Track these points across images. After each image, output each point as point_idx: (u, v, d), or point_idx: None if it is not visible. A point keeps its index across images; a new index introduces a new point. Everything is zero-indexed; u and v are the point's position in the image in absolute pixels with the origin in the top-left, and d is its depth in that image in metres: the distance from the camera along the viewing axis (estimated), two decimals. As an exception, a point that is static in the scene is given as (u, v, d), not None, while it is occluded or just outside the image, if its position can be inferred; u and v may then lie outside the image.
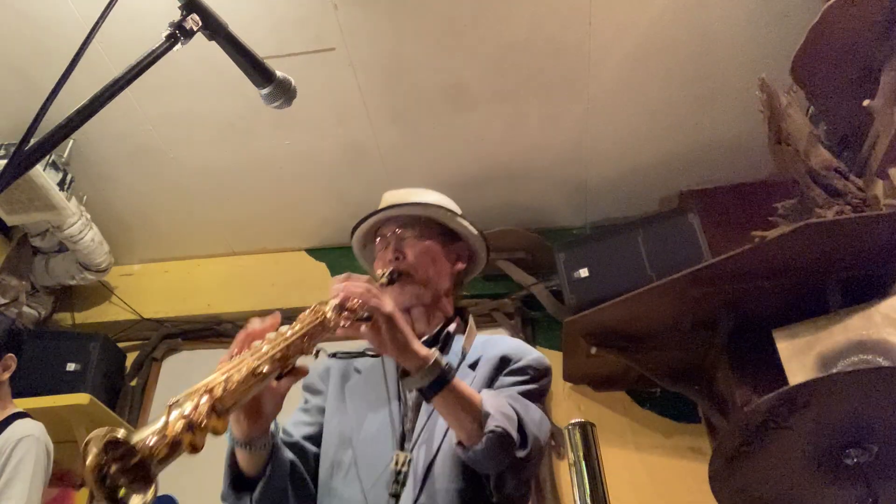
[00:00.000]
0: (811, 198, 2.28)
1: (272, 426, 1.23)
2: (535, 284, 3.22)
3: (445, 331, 1.48)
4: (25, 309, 3.32)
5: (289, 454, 1.33)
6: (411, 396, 1.38)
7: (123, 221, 3.40)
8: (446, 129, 3.01)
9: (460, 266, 1.59)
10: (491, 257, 3.39)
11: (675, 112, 2.93)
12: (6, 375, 2.24)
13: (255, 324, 1.14)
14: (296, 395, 1.38)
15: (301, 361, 1.15)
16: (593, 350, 2.77)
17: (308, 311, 1.16)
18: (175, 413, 0.89)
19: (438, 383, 1.16)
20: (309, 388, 1.53)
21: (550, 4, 2.57)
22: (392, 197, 1.63)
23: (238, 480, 1.26)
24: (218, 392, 0.95)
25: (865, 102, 2.23)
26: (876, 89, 2.22)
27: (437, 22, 2.63)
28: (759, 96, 2.36)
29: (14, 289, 3.26)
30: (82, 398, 2.91)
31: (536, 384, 1.38)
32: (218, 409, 0.93)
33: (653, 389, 3.02)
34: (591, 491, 1.51)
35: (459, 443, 1.20)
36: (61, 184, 2.90)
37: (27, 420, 2.21)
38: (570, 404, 3.06)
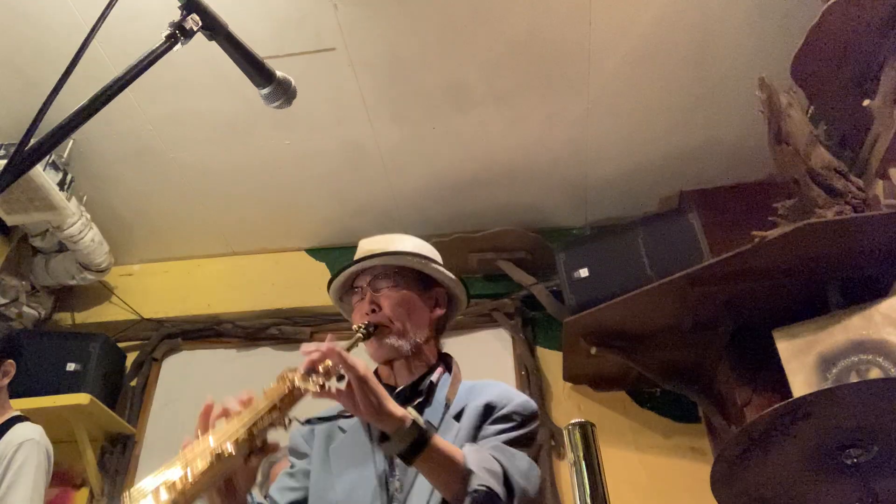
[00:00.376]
0: (811, 198, 2.28)
1: (248, 499, 1.20)
2: (535, 284, 3.22)
3: (428, 380, 1.45)
4: (25, 309, 3.32)
5: None
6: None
7: (123, 221, 3.40)
8: (446, 129, 3.01)
9: (439, 312, 1.56)
10: (491, 257, 3.43)
11: (675, 112, 2.93)
12: (6, 381, 2.24)
13: (217, 407, 1.11)
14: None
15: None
16: (593, 350, 2.77)
17: (275, 382, 1.14)
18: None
19: (417, 446, 1.14)
20: (294, 452, 1.50)
21: (550, 4, 2.57)
22: (368, 245, 1.59)
23: None
24: (178, 486, 0.94)
25: (865, 102, 2.23)
26: (876, 89, 2.22)
27: (437, 22, 2.63)
28: (759, 96, 2.36)
29: (14, 289, 3.26)
30: (82, 398, 2.91)
31: (523, 430, 1.36)
32: (180, 496, 0.92)
33: (653, 389, 3.02)
34: (591, 491, 1.51)
35: (445, 502, 1.20)
36: (61, 184, 2.90)
37: (27, 424, 2.21)
38: (570, 404, 3.06)
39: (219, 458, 1.00)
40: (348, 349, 1.30)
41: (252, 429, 1.06)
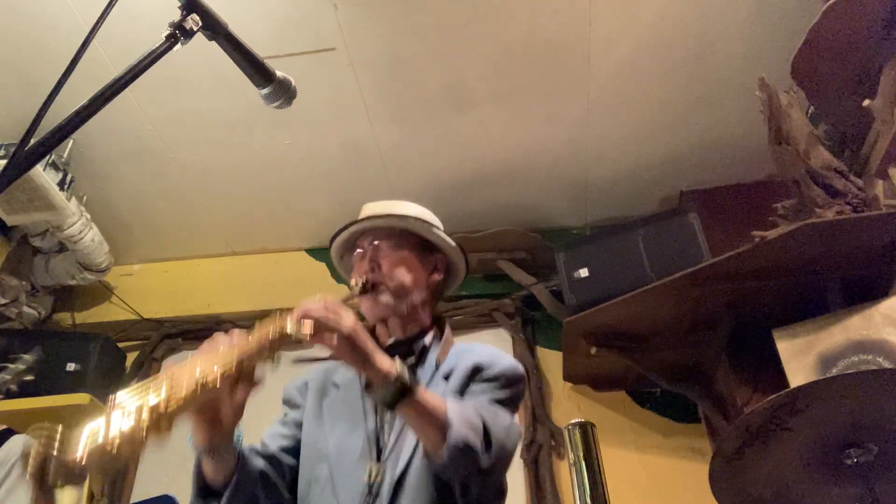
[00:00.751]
0: (811, 198, 2.28)
1: (236, 433, 1.23)
2: (535, 284, 3.22)
3: (421, 343, 1.49)
4: (25, 309, 3.32)
5: (259, 463, 1.34)
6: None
7: (123, 221, 3.40)
8: (446, 129, 3.01)
9: (437, 277, 1.59)
10: (491, 257, 3.42)
11: (675, 112, 2.93)
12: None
13: (220, 337, 1.15)
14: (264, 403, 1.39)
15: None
16: (593, 350, 2.77)
17: (268, 320, 1.16)
18: (115, 417, 0.90)
19: (400, 395, 1.17)
20: (288, 402, 1.54)
21: (550, 4, 2.57)
22: (371, 208, 1.63)
23: (205, 489, 1.26)
24: (161, 401, 0.96)
25: (865, 102, 2.23)
26: (876, 89, 2.22)
27: (437, 22, 2.63)
28: (759, 96, 2.36)
29: (14, 289, 3.26)
30: (82, 398, 2.91)
31: (508, 391, 1.39)
32: (159, 418, 0.93)
33: (653, 389, 3.02)
34: (591, 491, 1.51)
35: (426, 454, 1.22)
36: (61, 184, 2.90)
37: (24, 436, 2.27)
38: (570, 404, 3.06)
39: (203, 386, 1.01)
40: (344, 301, 1.34)
41: (240, 362, 1.08)
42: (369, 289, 1.47)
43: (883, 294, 2.19)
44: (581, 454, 1.56)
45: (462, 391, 1.38)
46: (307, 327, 1.14)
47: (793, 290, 2.38)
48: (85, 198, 3.13)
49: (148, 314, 3.45)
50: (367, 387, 1.21)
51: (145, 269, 3.63)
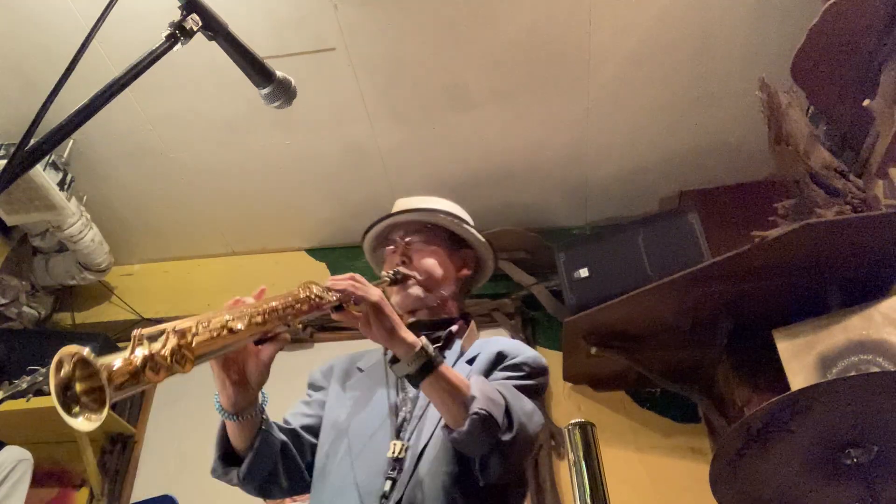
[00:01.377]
0: (811, 198, 2.28)
1: (260, 398, 1.24)
2: (535, 284, 3.22)
3: (448, 330, 1.51)
4: (25, 309, 3.32)
5: (281, 435, 1.35)
6: (410, 388, 1.40)
7: (123, 221, 3.40)
8: (446, 129, 3.00)
9: (466, 272, 1.63)
10: (491, 258, 3.41)
11: (675, 112, 2.93)
12: None
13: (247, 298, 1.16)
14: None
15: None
16: (593, 350, 2.77)
17: (298, 287, 1.18)
18: (140, 349, 0.89)
19: (425, 369, 1.19)
20: (312, 385, 1.57)
21: (550, 4, 2.57)
22: (403, 203, 1.67)
23: (227, 455, 1.28)
24: (187, 337, 0.96)
25: (865, 102, 2.22)
26: (876, 89, 2.22)
27: (437, 22, 2.63)
28: (759, 96, 2.36)
29: (14, 289, 3.26)
30: (82, 398, 2.91)
31: (531, 380, 1.41)
32: (185, 354, 0.94)
33: (653, 389, 3.02)
34: (591, 491, 1.51)
35: (446, 426, 1.23)
36: (61, 184, 2.90)
37: (16, 447, 2.35)
38: (570, 404, 3.06)
39: (229, 329, 1.03)
40: None
41: (266, 315, 1.09)
42: (400, 279, 1.50)
43: (883, 294, 2.19)
44: (581, 454, 1.56)
45: (485, 375, 1.39)
46: (334, 298, 1.17)
47: (793, 290, 2.38)
48: (85, 198, 3.13)
49: (148, 314, 3.45)
50: (392, 361, 1.22)
51: (145, 269, 3.63)
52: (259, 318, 1.08)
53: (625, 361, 2.79)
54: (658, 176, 3.16)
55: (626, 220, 2.98)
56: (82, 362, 0.83)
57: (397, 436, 1.34)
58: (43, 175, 2.79)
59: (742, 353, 2.55)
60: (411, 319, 1.53)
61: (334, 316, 1.19)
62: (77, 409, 0.84)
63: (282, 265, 3.55)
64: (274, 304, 1.12)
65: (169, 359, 0.91)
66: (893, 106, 2.18)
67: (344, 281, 1.20)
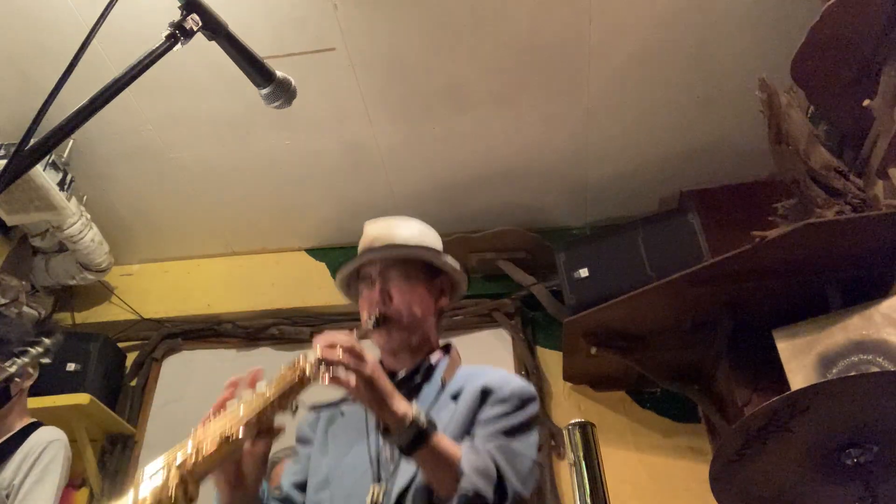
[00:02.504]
0: (811, 198, 2.28)
1: (261, 491, 1.23)
2: (535, 284, 3.22)
3: (427, 363, 1.49)
4: (25, 309, 3.31)
5: None
6: None
7: (123, 221, 3.40)
8: (446, 129, 3.00)
9: (444, 301, 1.59)
10: (491, 257, 3.43)
11: (675, 112, 2.93)
12: (28, 383, 2.28)
13: (230, 387, 1.14)
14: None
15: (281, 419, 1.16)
16: (593, 350, 2.77)
17: (286, 367, 1.16)
18: (143, 488, 0.89)
19: (417, 441, 1.17)
20: (300, 440, 1.54)
21: (550, 4, 2.57)
22: (374, 230, 1.61)
23: None
24: (188, 464, 0.95)
25: (865, 102, 2.23)
26: (876, 89, 2.22)
27: (437, 22, 2.63)
28: (759, 96, 2.36)
29: (14, 289, 3.26)
30: (82, 398, 2.91)
31: (521, 414, 1.36)
32: (188, 484, 0.93)
33: (653, 389, 3.02)
34: (591, 491, 1.51)
35: (437, 496, 1.22)
36: (61, 184, 2.90)
37: (51, 427, 2.27)
38: (570, 404, 3.06)
39: (227, 440, 1.02)
40: (359, 340, 1.33)
41: (261, 414, 1.08)
42: (382, 322, 1.46)
43: (883, 294, 2.19)
44: (581, 454, 1.56)
45: (472, 415, 1.36)
46: (326, 377, 1.15)
47: (793, 290, 2.38)
48: (85, 198, 3.13)
49: (148, 314, 3.45)
50: (385, 431, 1.20)
51: (145, 269, 3.63)
52: (254, 418, 1.07)
53: (625, 361, 2.79)
54: (658, 176, 3.16)
55: (626, 220, 2.98)
56: None
57: (378, 479, 1.32)
58: (43, 175, 2.79)
59: (742, 353, 2.55)
60: (401, 373, 1.49)
61: (324, 384, 1.17)
62: None
63: (282, 265, 3.55)
64: (267, 397, 1.10)
65: (175, 493, 0.91)
66: (893, 106, 2.18)
67: (339, 356, 1.16)
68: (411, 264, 1.54)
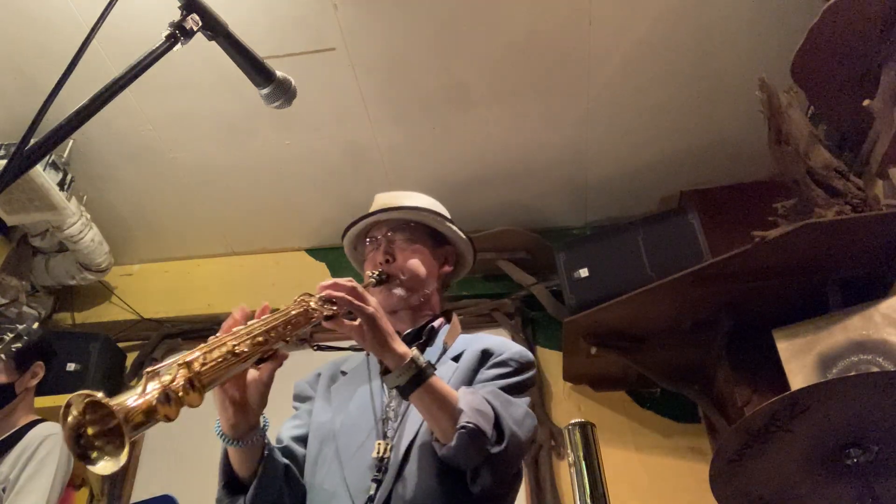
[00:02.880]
0: (811, 198, 2.28)
1: (261, 422, 1.24)
2: (535, 284, 3.22)
3: (429, 325, 1.52)
4: (25, 309, 3.32)
5: (283, 459, 1.34)
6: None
7: (123, 221, 3.40)
8: (446, 129, 3.00)
9: (447, 269, 1.64)
10: (491, 257, 3.42)
11: (675, 112, 2.93)
12: (34, 382, 2.30)
13: (238, 311, 1.16)
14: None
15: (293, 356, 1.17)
16: (593, 350, 2.77)
17: (293, 301, 1.19)
18: (152, 384, 0.90)
19: (416, 381, 1.19)
20: (298, 397, 1.56)
21: (550, 4, 2.57)
22: (383, 199, 1.66)
23: (232, 482, 1.27)
24: (196, 366, 0.97)
25: (865, 102, 2.23)
26: (876, 89, 2.22)
27: (438, 22, 2.63)
28: (759, 96, 2.35)
29: (14, 289, 3.26)
30: (82, 398, 2.90)
31: (519, 377, 1.41)
32: (194, 384, 0.94)
33: (653, 389, 3.02)
34: (591, 491, 1.51)
35: (436, 439, 1.23)
36: (61, 184, 2.90)
37: (51, 422, 2.28)
38: (570, 404, 3.06)
39: (233, 353, 1.03)
40: None
41: (266, 335, 1.10)
42: (384, 280, 1.50)
43: (883, 294, 2.19)
44: (581, 454, 1.56)
45: (472, 374, 1.40)
46: (330, 309, 1.18)
47: (793, 290, 2.38)
48: (85, 198, 3.13)
49: (148, 314, 3.45)
50: (383, 372, 1.23)
51: (145, 269, 3.63)
52: (259, 338, 1.09)
53: (625, 361, 2.79)
54: (658, 176, 3.16)
55: (626, 220, 2.98)
56: (94, 405, 0.84)
57: (383, 435, 1.34)
58: (43, 175, 2.79)
59: (742, 353, 2.55)
60: (403, 334, 1.50)
61: (325, 324, 1.19)
62: (95, 453, 0.85)
63: (282, 265, 3.55)
64: (272, 321, 1.13)
65: (181, 391, 0.92)
66: (893, 106, 2.18)
67: (341, 291, 1.20)
68: (418, 230, 1.59)
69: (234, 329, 1.10)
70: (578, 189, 3.27)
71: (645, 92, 2.85)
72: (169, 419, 0.89)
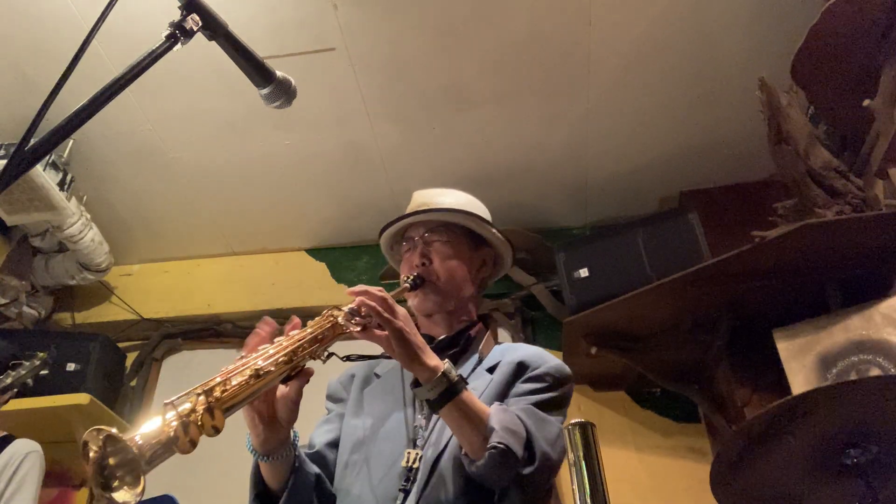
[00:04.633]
0: (811, 198, 2.28)
1: (291, 436, 1.23)
2: (535, 284, 3.22)
3: (466, 334, 1.49)
4: (25, 309, 3.31)
5: (314, 468, 1.33)
6: None
7: (123, 221, 3.40)
8: (446, 129, 3.00)
9: (485, 272, 1.59)
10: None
11: (675, 112, 2.93)
12: (7, 397, 2.31)
13: (264, 327, 1.16)
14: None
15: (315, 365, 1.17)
16: (593, 350, 2.77)
17: (321, 315, 1.18)
18: (171, 413, 0.90)
19: (446, 395, 1.16)
20: (332, 398, 1.54)
21: (550, 4, 2.57)
22: (421, 197, 1.62)
23: (262, 494, 1.26)
24: (216, 393, 0.96)
25: (865, 102, 2.23)
26: (876, 89, 2.22)
27: (437, 22, 2.63)
28: (759, 96, 2.36)
29: (14, 289, 3.26)
30: (82, 398, 2.90)
31: (554, 392, 1.37)
32: (214, 411, 0.94)
33: (653, 389, 3.02)
34: (591, 491, 1.51)
35: (465, 454, 1.20)
36: (61, 184, 2.90)
37: (27, 440, 2.31)
38: (570, 404, 3.05)
39: (257, 374, 1.03)
40: (394, 297, 1.34)
41: (292, 354, 1.10)
42: (419, 284, 1.46)
43: (883, 294, 2.19)
44: (581, 454, 1.56)
45: (507, 388, 1.36)
46: (359, 323, 1.16)
47: (793, 290, 2.38)
48: (85, 198, 3.13)
49: (148, 314, 3.45)
50: (414, 384, 1.21)
51: (145, 269, 3.62)
52: (284, 357, 1.08)
53: (625, 361, 2.79)
54: (658, 176, 3.16)
55: (626, 220, 2.98)
56: (110, 438, 0.83)
57: (413, 444, 1.31)
58: (43, 175, 2.79)
59: (742, 353, 2.55)
60: (438, 340, 1.48)
61: (356, 335, 1.18)
62: (116, 482, 0.84)
63: (282, 265, 3.54)
64: (299, 338, 1.12)
65: (200, 420, 0.91)
66: (893, 106, 2.18)
67: (372, 301, 1.17)
68: (455, 231, 1.54)
69: (261, 348, 1.09)
70: (578, 189, 3.27)
71: (645, 92, 2.85)
72: (186, 451, 0.89)
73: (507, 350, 1.46)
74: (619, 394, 3.07)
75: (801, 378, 2.15)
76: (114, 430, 0.82)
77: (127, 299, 3.49)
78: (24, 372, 2.25)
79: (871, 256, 2.27)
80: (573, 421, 1.65)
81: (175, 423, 0.88)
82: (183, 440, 0.88)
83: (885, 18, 2.18)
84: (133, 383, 3.34)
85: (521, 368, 1.39)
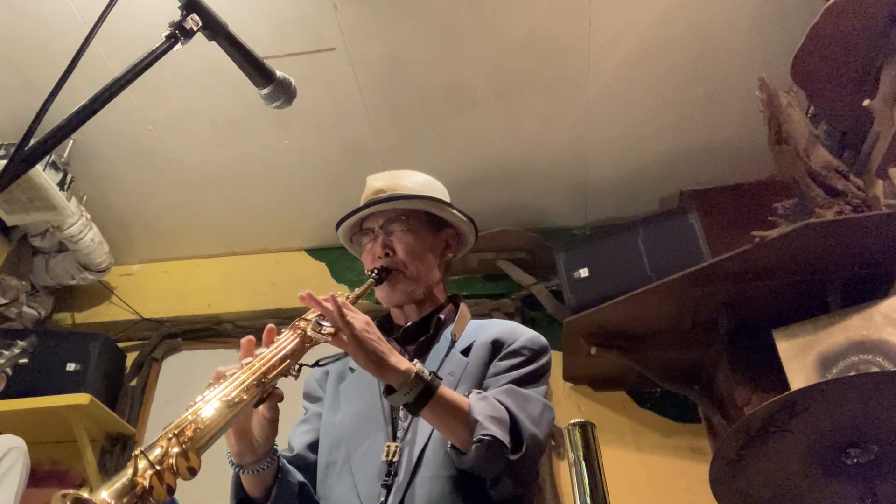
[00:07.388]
0: (811, 198, 2.28)
1: (273, 448, 1.21)
2: (535, 284, 3.22)
3: (436, 317, 1.46)
4: (25, 309, 3.31)
5: (298, 476, 1.31)
6: None
7: (123, 221, 3.40)
8: (446, 129, 3.00)
9: (449, 254, 1.57)
10: (491, 257, 3.42)
11: (675, 112, 2.93)
12: None
13: (246, 345, 1.14)
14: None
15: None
16: (593, 350, 2.77)
17: (286, 329, 1.16)
18: (143, 463, 0.87)
19: (423, 397, 1.13)
20: (308, 396, 1.52)
21: (550, 4, 2.57)
22: (377, 182, 1.59)
23: (244, 502, 1.25)
24: (188, 433, 0.94)
25: (865, 102, 2.23)
26: (876, 89, 2.22)
27: (437, 22, 2.63)
28: (759, 96, 2.36)
29: (14, 289, 3.26)
30: (82, 398, 2.90)
31: (533, 364, 1.35)
32: (189, 453, 0.92)
33: (653, 389, 3.02)
34: (591, 491, 1.51)
35: (453, 447, 1.19)
36: (61, 184, 2.90)
37: (10, 435, 2.29)
38: (570, 404, 3.05)
39: (227, 404, 1.00)
40: (361, 294, 1.34)
41: (262, 378, 1.07)
42: (385, 277, 1.44)
43: (883, 294, 2.19)
44: (581, 454, 1.56)
45: (484, 368, 1.34)
46: (327, 332, 1.14)
47: (793, 290, 2.38)
48: (85, 198, 3.13)
49: (148, 314, 3.45)
50: (387, 391, 1.16)
51: (145, 269, 3.63)
52: (254, 381, 1.05)
53: (625, 361, 2.79)
54: (658, 176, 3.16)
55: (626, 220, 2.98)
56: (80, 501, 0.77)
57: (393, 437, 1.29)
58: (43, 175, 2.79)
59: (742, 353, 2.55)
60: (406, 326, 1.46)
61: (330, 342, 1.15)
62: None
63: (282, 265, 3.54)
64: (266, 359, 1.09)
65: (174, 466, 0.89)
66: (893, 106, 2.18)
67: (329, 308, 1.14)
68: (415, 216, 1.51)
69: (229, 373, 1.07)
70: (578, 189, 3.27)
71: (645, 92, 2.85)
72: (170, 493, 0.87)
73: (481, 328, 1.43)
74: (619, 394, 3.07)
75: (801, 378, 2.15)
76: (84, 495, 0.77)
77: (127, 299, 3.49)
78: (2, 360, 2.24)
79: (871, 256, 2.27)
80: (573, 421, 1.65)
81: (149, 473, 0.86)
82: (159, 490, 0.85)
83: (885, 18, 2.18)
84: (133, 383, 3.34)
85: (496, 346, 1.37)
